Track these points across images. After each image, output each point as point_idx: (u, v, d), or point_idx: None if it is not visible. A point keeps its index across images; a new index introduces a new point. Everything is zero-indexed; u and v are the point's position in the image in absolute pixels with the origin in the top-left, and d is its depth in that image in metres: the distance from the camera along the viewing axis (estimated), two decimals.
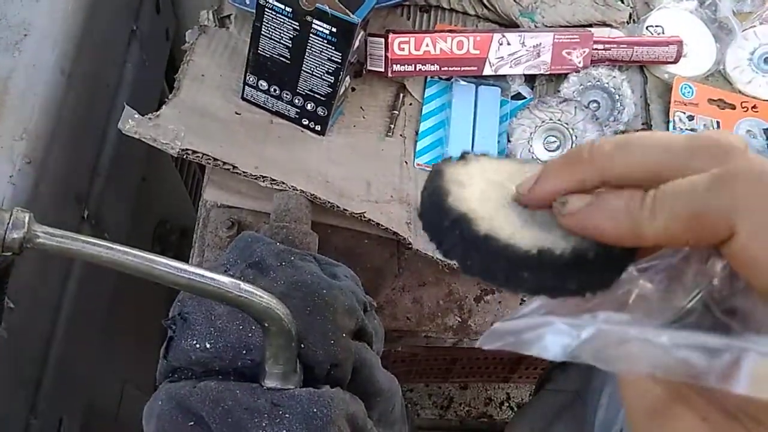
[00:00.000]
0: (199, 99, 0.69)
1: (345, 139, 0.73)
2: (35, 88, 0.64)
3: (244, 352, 0.44)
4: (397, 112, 0.77)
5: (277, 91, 0.70)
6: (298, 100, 0.70)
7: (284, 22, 0.63)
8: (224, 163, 0.62)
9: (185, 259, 0.68)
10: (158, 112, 0.63)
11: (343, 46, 0.63)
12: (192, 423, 0.40)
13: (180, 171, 1.16)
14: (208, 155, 0.62)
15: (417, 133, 0.77)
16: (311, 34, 0.63)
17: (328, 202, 0.64)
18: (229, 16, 0.77)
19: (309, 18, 0.62)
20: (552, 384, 0.98)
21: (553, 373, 1.07)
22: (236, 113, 0.71)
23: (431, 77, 0.80)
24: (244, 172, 0.62)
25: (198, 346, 0.43)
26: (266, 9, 0.63)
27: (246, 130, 0.69)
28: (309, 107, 0.70)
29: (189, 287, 0.37)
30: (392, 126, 0.76)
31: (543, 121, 0.75)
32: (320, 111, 0.70)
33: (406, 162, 0.74)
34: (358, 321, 0.49)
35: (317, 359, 0.45)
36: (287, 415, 0.40)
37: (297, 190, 0.63)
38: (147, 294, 0.96)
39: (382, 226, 0.65)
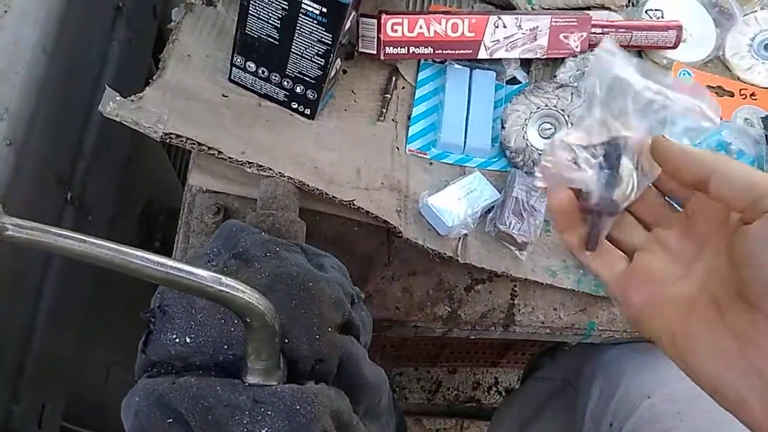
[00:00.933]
0: (184, 80, 0.67)
1: (335, 124, 0.72)
2: (16, 66, 0.62)
3: (226, 346, 0.42)
4: (389, 95, 0.75)
5: (266, 73, 0.68)
6: (287, 82, 0.68)
7: (273, 1, 0.61)
8: (209, 148, 0.60)
9: (173, 239, 0.66)
10: (141, 94, 0.61)
11: (333, 27, 0.61)
12: (171, 420, 0.39)
13: (168, 151, 1.14)
14: (192, 140, 0.60)
15: (409, 117, 0.75)
16: (301, 14, 0.61)
17: (317, 189, 0.62)
18: None
19: None
20: (541, 371, 0.97)
21: (541, 360, 1.06)
22: (223, 95, 0.68)
23: (425, 60, 0.78)
24: (230, 157, 0.61)
25: (178, 340, 0.42)
26: None
27: (233, 113, 0.67)
28: (298, 90, 0.68)
29: (167, 282, 0.35)
30: (384, 110, 0.74)
31: (538, 107, 0.73)
32: (310, 94, 0.68)
33: (397, 147, 0.72)
34: (345, 314, 0.48)
35: (302, 354, 0.44)
36: (269, 413, 0.39)
37: (284, 176, 0.61)
38: (132, 276, 0.94)
39: (371, 214, 0.64)
